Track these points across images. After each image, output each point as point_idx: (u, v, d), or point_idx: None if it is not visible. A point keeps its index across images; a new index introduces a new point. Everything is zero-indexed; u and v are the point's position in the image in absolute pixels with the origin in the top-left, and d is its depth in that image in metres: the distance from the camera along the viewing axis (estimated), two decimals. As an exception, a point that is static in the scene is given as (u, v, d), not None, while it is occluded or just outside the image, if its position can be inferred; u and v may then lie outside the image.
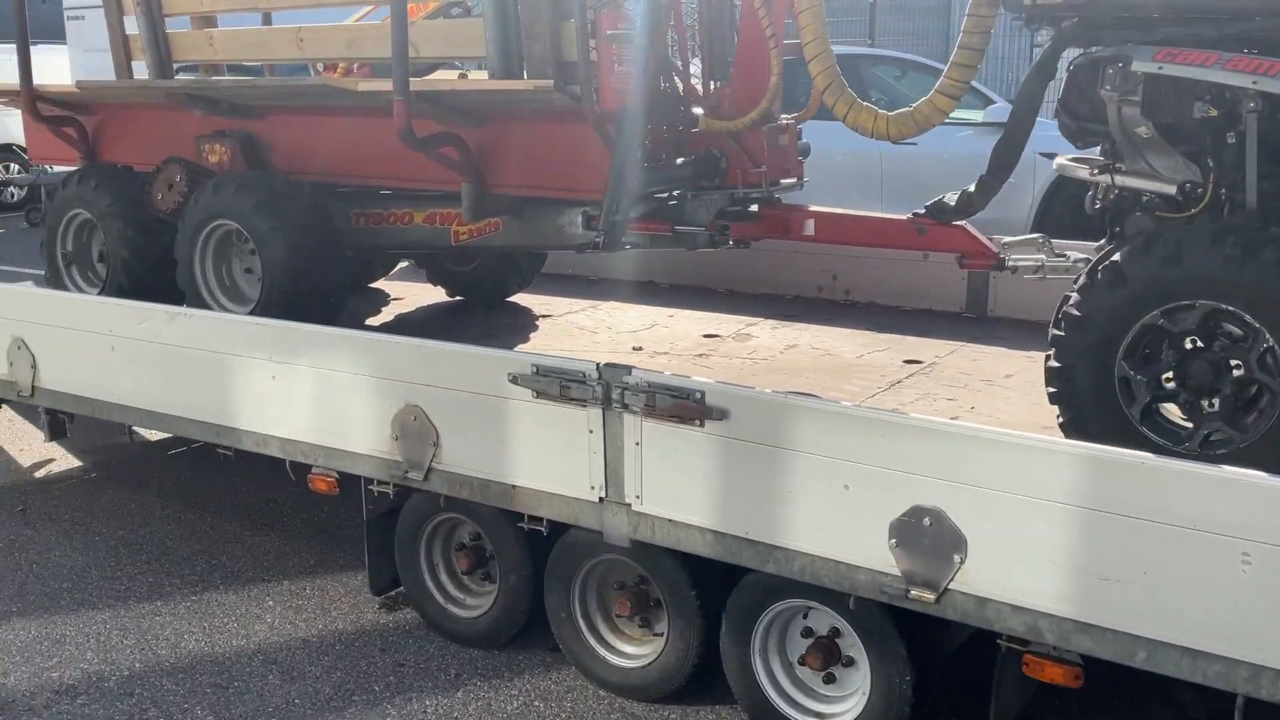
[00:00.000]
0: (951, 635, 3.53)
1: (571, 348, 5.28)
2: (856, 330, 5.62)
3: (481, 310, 6.35)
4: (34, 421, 6.48)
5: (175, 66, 6.03)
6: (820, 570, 3.27)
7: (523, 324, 5.98)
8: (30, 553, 5.12)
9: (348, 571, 4.88)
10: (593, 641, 3.99)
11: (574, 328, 5.83)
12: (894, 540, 3.11)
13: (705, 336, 5.55)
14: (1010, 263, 4.48)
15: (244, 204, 5.22)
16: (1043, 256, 4.45)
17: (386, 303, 6.60)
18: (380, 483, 4.28)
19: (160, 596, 4.69)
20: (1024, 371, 4.70)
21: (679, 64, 4.82)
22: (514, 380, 3.73)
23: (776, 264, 6.34)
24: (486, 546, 4.28)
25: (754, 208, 4.93)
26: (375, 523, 4.41)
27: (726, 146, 4.78)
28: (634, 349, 5.30)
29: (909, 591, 3.12)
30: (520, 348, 5.38)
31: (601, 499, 3.66)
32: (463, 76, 5.88)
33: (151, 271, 5.76)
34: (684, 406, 3.42)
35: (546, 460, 3.77)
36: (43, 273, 6.14)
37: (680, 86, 4.84)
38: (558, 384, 3.64)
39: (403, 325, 5.99)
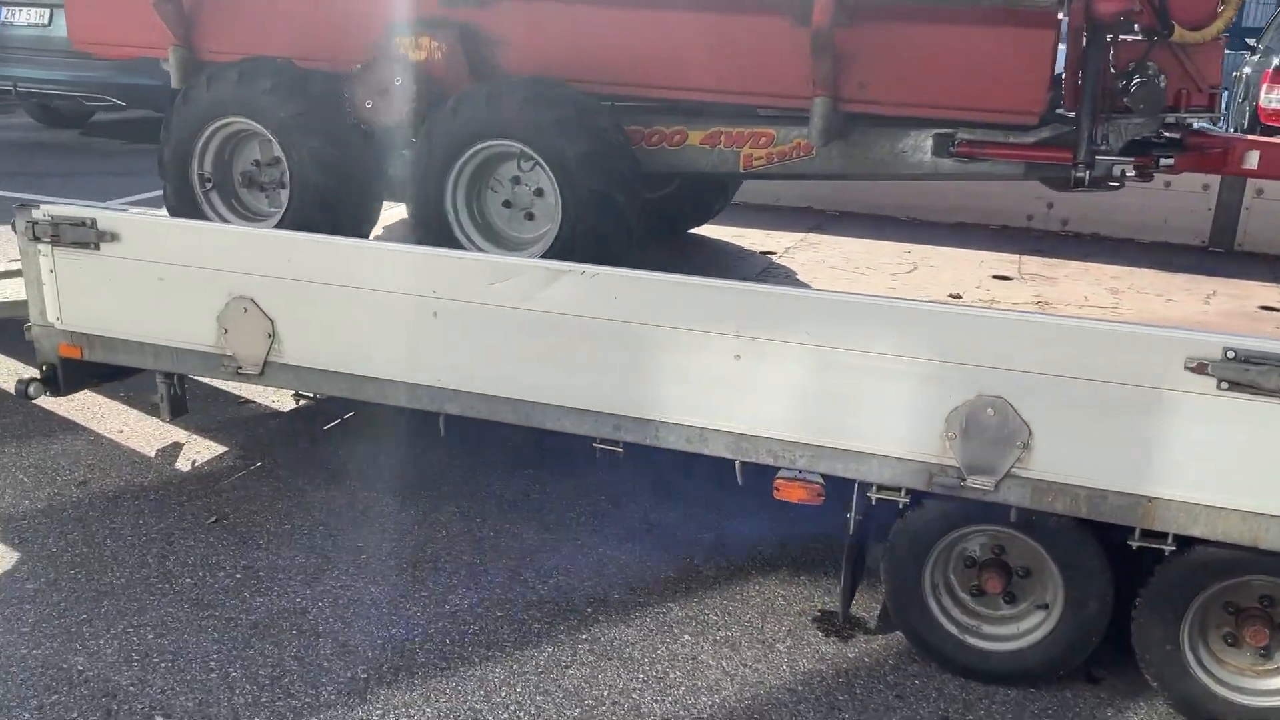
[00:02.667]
0: None
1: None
2: (1133, 269, 5.06)
3: (667, 245, 5.35)
4: (114, 396, 5.09)
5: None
6: None
7: (759, 266, 5.02)
8: (313, 590, 3.85)
9: (729, 585, 3.95)
10: (1203, 677, 3.29)
11: (841, 268, 4.92)
12: None
13: (996, 278, 4.83)
14: None
15: (537, 121, 4.04)
16: None
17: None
18: (884, 489, 3.38)
19: (541, 638, 3.60)
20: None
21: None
22: (1196, 368, 2.92)
23: (971, 187, 5.67)
24: (1014, 564, 3.47)
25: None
26: (856, 536, 3.51)
27: (1165, 62, 4.01)
28: (951, 296, 4.51)
29: None
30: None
31: (1318, 515, 2.94)
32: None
33: (351, 201, 4.47)
34: None
35: (1220, 468, 2.99)
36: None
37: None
38: (1276, 374, 2.86)
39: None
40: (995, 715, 3.34)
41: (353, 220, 4.50)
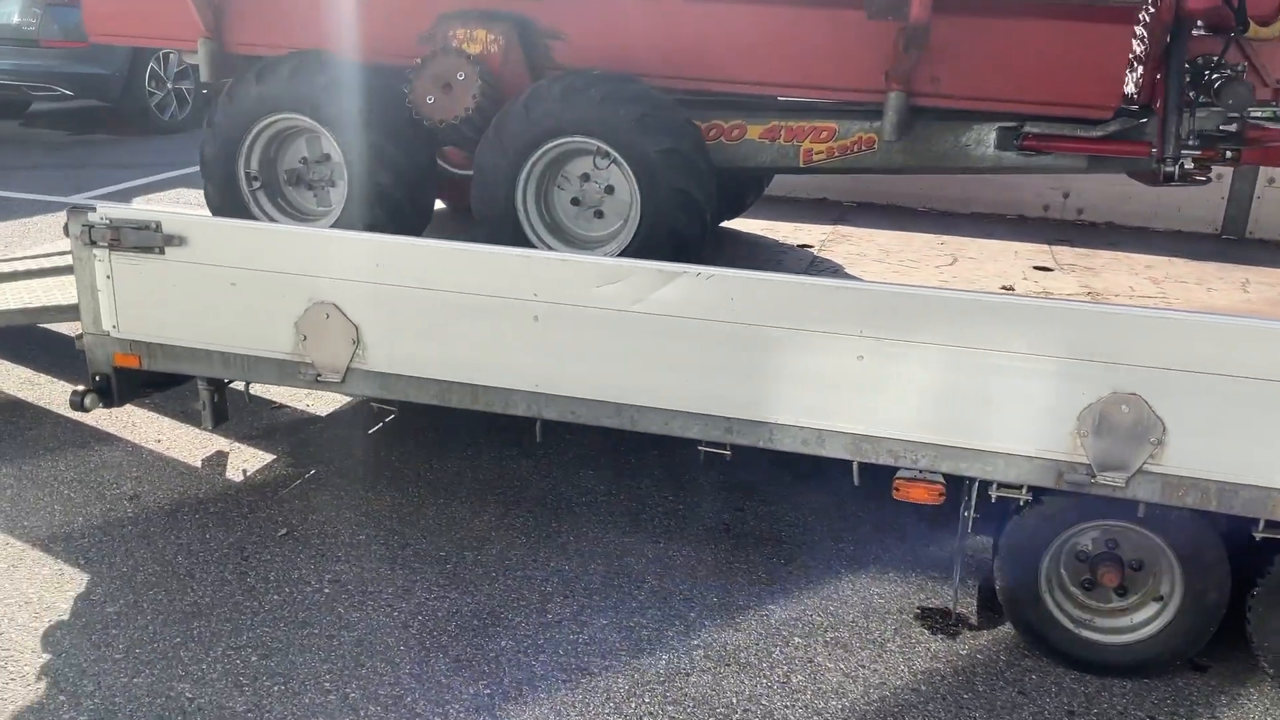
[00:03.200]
0: None
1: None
2: (1161, 257, 5.16)
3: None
4: (141, 404, 4.86)
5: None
6: None
7: (804, 260, 5.01)
8: (408, 602, 3.73)
9: (822, 584, 3.93)
10: (1319, 662, 3.36)
11: (884, 261, 4.94)
12: None
13: (1037, 269, 4.88)
14: None
15: (616, 117, 3.97)
16: None
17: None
18: (1005, 487, 3.38)
19: (654, 645, 3.54)
20: None
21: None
22: (1338, 363, 2.97)
23: (986, 177, 5.75)
24: (1127, 557, 3.50)
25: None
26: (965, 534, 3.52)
27: (1233, 58, 4.08)
28: (1004, 288, 4.55)
29: None
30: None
31: None
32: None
33: (410, 198, 4.35)
34: None
35: (1353, 460, 3.05)
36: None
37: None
38: None
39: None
40: (1117, 707, 3.36)
41: (411, 218, 4.39)
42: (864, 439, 3.40)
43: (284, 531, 4.09)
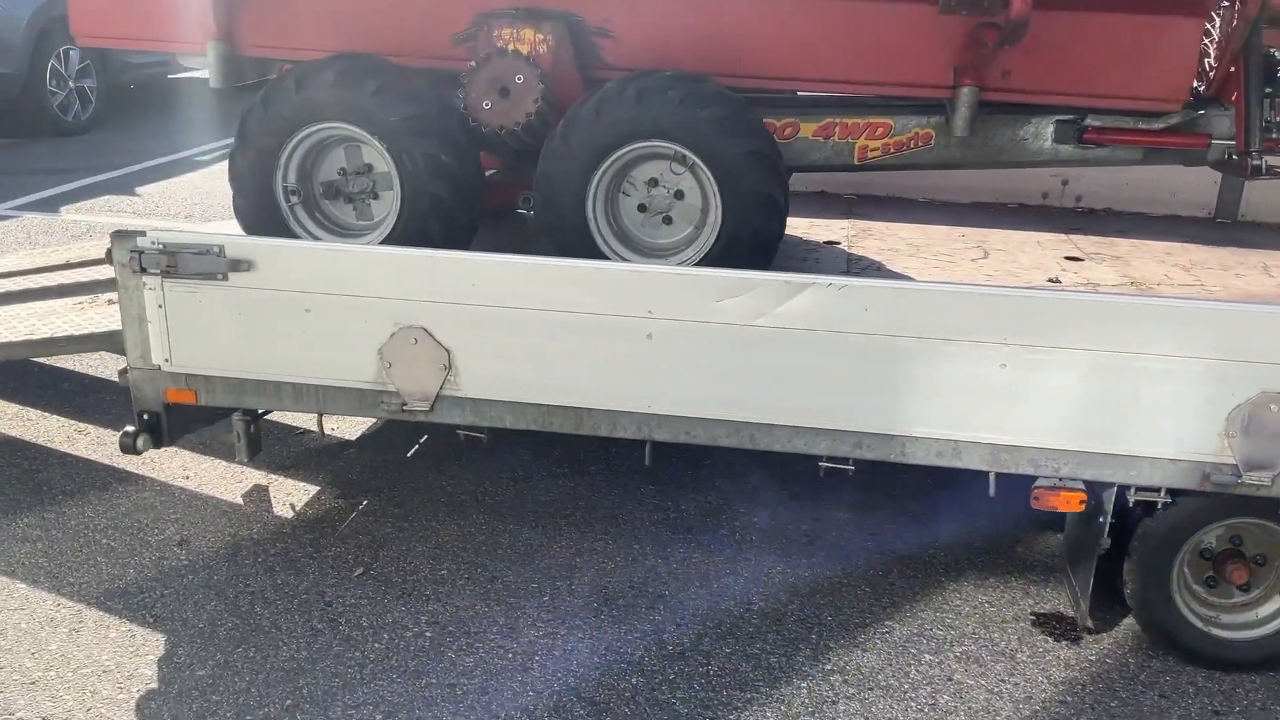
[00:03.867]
0: None
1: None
2: (1178, 244, 5.24)
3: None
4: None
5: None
6: None
7: (839, 258, 4.94)
8: (518, 642, 3.52)
9: (929, 595, 3.85)
10: None
11: (918, 256, 4.90)
12: None
13: (1069, 259, 4.90)
14: None
15: (696, 120, 3.81)
16: None
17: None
18: (1142, 490, 3.34)
19: (788, 672, 3.40)
20: None
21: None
22: None
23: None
24: (1250, 553, 3.51)
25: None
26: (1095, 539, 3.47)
27: (1283, 46, 4.13)
28: (1050, 280, 4.56)
29: None
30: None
31: None
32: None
33: (464, 209, 4.12)
34: None
35: None
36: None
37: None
38: None
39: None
40: (1256, 703, 3.36)
41: (465, 229, 4.15)
42: (1004, 449, 3.32)
43: (360, 571, 3.82)
